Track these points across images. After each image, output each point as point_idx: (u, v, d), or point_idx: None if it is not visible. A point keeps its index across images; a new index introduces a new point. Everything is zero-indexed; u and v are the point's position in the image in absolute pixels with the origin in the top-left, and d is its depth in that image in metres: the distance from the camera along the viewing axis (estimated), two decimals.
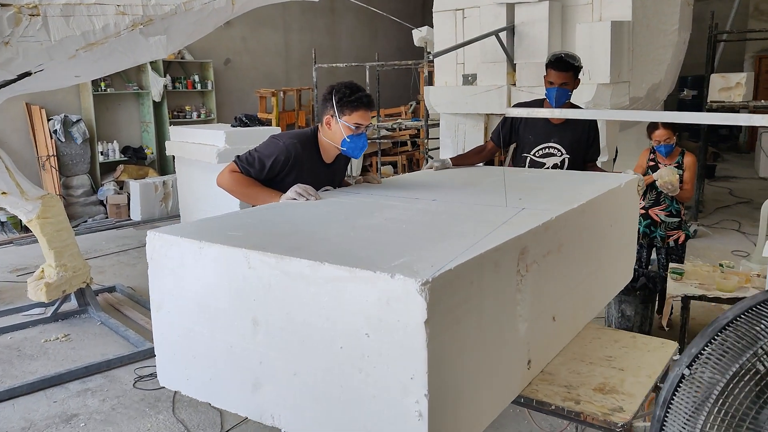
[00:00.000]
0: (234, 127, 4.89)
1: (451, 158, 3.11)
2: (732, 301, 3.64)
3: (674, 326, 4.13)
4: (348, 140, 2.47)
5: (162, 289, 1.84)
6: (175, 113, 9.68)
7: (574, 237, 2.11)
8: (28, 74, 3.75)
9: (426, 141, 8.25)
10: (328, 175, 2.61)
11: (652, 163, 4.43)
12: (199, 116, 9.92)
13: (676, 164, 4.37)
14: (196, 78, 9.92)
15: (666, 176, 4.10)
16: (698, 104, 11.16)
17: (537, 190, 2.44)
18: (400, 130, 9.05)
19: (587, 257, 2.26)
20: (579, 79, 3.08)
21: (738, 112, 6.84)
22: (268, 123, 10.50)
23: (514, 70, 6.08)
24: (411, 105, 11.29)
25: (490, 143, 3.30)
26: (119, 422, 3.16)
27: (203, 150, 4.70)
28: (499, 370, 1.71)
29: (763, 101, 6.93)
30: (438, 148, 7.38)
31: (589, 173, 2.84)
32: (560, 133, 3.14)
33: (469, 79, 6.77)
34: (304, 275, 1.51)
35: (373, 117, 10.24)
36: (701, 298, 3.71)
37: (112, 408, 3.29)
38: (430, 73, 7.93)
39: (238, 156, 2.50)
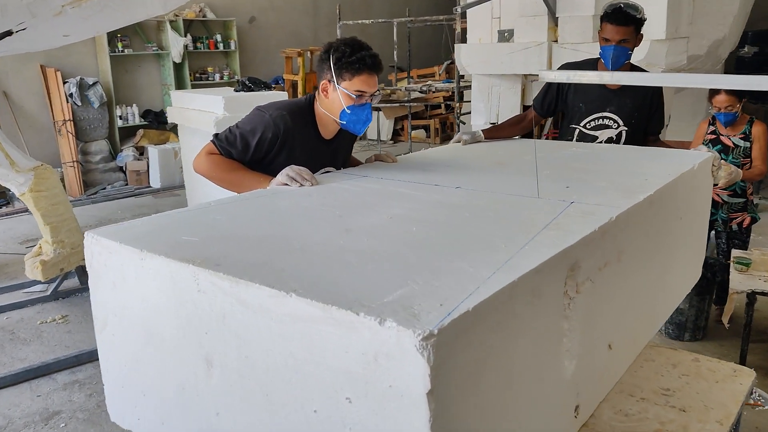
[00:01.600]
0: (237, 91, 4.41)
1: (483, 130, 2.62)
2: None
3: (735, 323, 3.62)
4: (348, 112, 2.02)
5: (104, 304, 1.44)
6: (197, 75, 9.29)
7: (637, 239, 1.64)
8: (8, 33, 3.36)
9: (459, 105, 7.70)
10: (327, 153, 2.16)
11: (712, 136, 3.84)
12: (222, 78, 9.51)
13: (742, 135, 3.78)
14: (219, 38, 9.48)
15: (725, 177, 3.03)
16: (761, 62, 10.25)
17: (589, 175, 1.95)
18: (431, 92, 8.49)
19: (652, 261, 1.78)
20: (641, 35, 2.53)
21: None
22: (274, 85, 10.06)
23: (557, 25, 5.46)
24: (444, 65, 10.66)
25: (532, 112, 2.78)
26: (102, 423, 2.85)
27: (202, 117, 4.27)
28: (537, 428, 1.27)
29: None
30: (470, 112, 6.85)
31: (654, 150, 2.33)
32: (618, 101, 2.60)
33: (506, 36, 6.15)
34: (264, 308, 1.08)
35: (403, 78, 9.68)
36: None
37: (98, 405, 2.98)
38: (463, 30, 7.33)
39: (217, 134, 2.06)
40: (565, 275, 1.28)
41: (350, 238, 1.34)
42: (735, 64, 10.90)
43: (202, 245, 1.31)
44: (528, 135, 2.79)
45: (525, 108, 6.94)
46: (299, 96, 9.77)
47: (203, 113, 4.28)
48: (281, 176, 1.86)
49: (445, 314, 0.95)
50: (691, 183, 2.04)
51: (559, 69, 2.71)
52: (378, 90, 2.04)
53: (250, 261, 1.20)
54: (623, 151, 2.38)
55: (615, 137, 2.63)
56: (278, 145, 2.02)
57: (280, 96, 4.39)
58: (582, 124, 2.66)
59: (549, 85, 2.71)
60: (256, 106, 2.08)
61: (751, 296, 3.22)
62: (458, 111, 7.72)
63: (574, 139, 2.69)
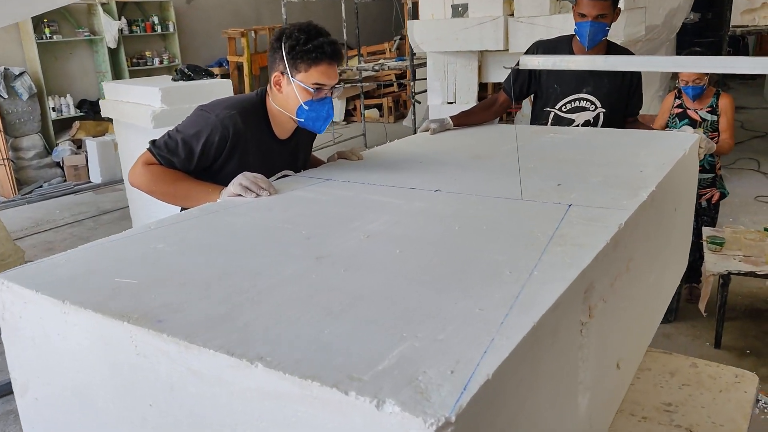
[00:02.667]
0: (175, 81, 4.02)
1: (452, 117, 2.40)
2: None
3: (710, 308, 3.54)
4: (306, 108, 1.77)
5: (23, 364, 1.18)
6: (135, 60, 8.77)
7: (642, 241, 1.46)
8: None
9: (412, 84, 7.48)
10: (285, 155, 1.91)
11: (679, 110, 3.73)
12: (161, 62, 9.01)
13: (709, 108, 3.68)
14: (156, 20, 8.95)
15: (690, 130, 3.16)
16: (702, 28, 10.33)
17: (578, 167, 1.76)
18: (383, 70, 8.23)
19: (653, 262, 1.62)
20: (619, 9, 2.35)
21: None
22: (218, 72, 9.61)
23: None
24: (395, 41, 10.39)
25: (502, 95, 2.57)
26: None
27: (138, 111, 3.87)
28: None
29: None
30: (425, 90, 6.63)
31: (639, 134, 2.16)
32: (595, 81, 2.42)
33: (459, 11, 5.92)
34: (223, 381, 0.85)
35: (354, 56, 9.37)
36: (750, 274, 3.10)
37: None
38: (414, 5, 7.06)
39: (154, 141, 1.78)
40: (580, 301, 1.08)
41: (324, 270, 1.11)
42: (679, 31, 10.99)
43: (140, 290, 1.05)
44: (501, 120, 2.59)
45: (482, 86, 6.77)
46: (245, 80, 9.36)
47: (139, 106, 3.88)
48: (234, 186, 1.61)
49: (461, 387, 0.73)
50: (683, 170, 1.88)
51: (530, 49, 2.49)
52: (339, 82, 1.79)
53: (202, 313, 0.96)
54: (606, 135, 2.21)
55: (592, 120, 2.45)
56: (227, 149, 1.76)
57: (225, 85, 4.03)
58: (557, 107, 2.47)
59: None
60: (198, 106, 1.80)
61: (726, 277, 3.14)
62: (413, 90, 7.49)
63: (549, 123, 2.50)
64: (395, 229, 1.31)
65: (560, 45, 2.45)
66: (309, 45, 1.70)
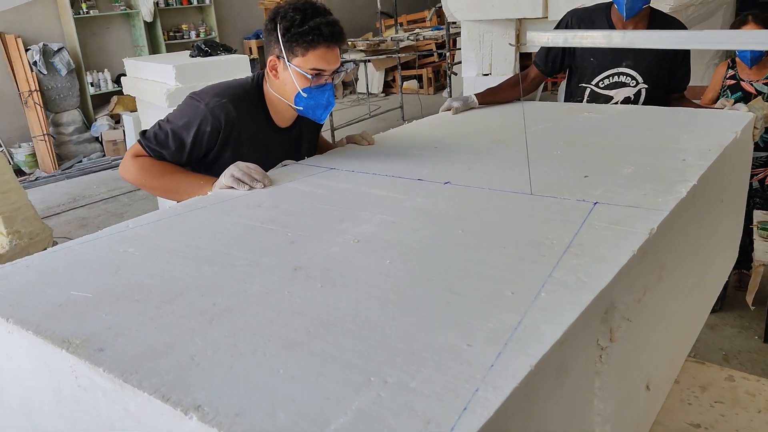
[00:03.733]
0: (193, 57, 3.87)
1: (477, 94, 2.21)
2: None
3: (757, 294, 3.28)
4: (304, 95, 1.61)
5: None
6: (171, 34, 8.73)
7: (679, 245, 1.27)
8: None
9: (450, 54, 7.20)
10: (285, 145, 1.76)
11: (731, 81, 3.41)
12: (198, 35, 8.94)
13: (766, 80, 3.35)
14: None
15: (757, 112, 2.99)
16: None
17: (610, 155, 1.56)
18: (419, 40, 7.97)
19: (693, 265, 1.42)
20: None
21: None
22: (256, 44, 9.48)
23: None
24: (433, 9, 10.06)
25: (534, 69, 2.36)
26: None
27: (154, 89, 3.75)
28: None
29: None
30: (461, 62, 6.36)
31: (683, 113, 1.94)
32: (636, 53, 2.17)
33: None
34: (160, 428, 0.73)
35: (391, 26, 9.10)
36: None
37: None
38: None
39: (143, 132, 1.66)
40: (597, 325, 0.92)
41: (297, 285, 0.97)
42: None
43: (91, 307, 0.94)
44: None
45: (521, 57, 6.46)
46: None
47: (155, 84, 3.76)
48: (225, 178, 1.48)
49: None
50: (733, 155, 1.66)
51: (563, 19, 2.26)
52: (342, 66, 1.63)
53: (147, 341, 0.83)
54: (646, 114, 1.98)
55: (633, 97, 2.22)
56: (221, 140, 1.63)
57: (241, 61, 3.86)
58: (594, 83, 2.24)
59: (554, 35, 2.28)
60: (189, 94, 1.67)
61: None
62: (450, 61, 7.22)
63: (585, 100, 2.28)
64: (390, 232, 1.16)
65: (596, 15, 2.21)
66: (305, 26, 1.54)
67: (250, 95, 1.68)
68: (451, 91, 7.32)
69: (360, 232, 1.16)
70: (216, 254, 1.11)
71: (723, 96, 3.41)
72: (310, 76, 1.59)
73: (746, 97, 3.31)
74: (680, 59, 2.20)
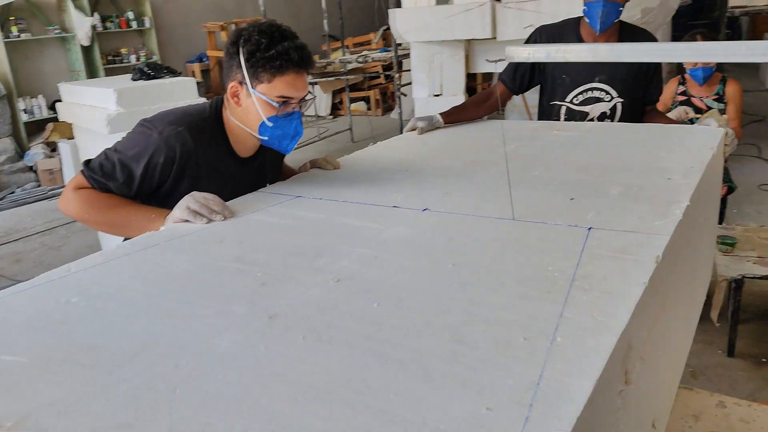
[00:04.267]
0: (135, 80, 3.66)
1: (442, 113, 2.13)
2: None
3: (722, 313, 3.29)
4: (270, 124, 1.49)
5: None
6: (110, 58, 8.42)
7: (677, 270, 1.20)
8: None
9: (398, 75, 7.19)
10: (248, 176, 1.62)
11: (682, 97, 3.46)
12: (138, 59, 8.65)
13: (716, 96, 3.42)
14: (131, 15, 8.59)
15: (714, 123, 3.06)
16: (695, 10, 10.08)
17: (593, 175, 1.49)
18: (368, 62, 7.93)
19: (684, 288, 1.36)
20: None
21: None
22: (199, 68, 9.27)
23: None
24: (380, 32, 10.08)
25: (500, 86, 2.29)
26: None
27: (94, 115, 3.52)
28: None
29: None
30: (410, 83, 6.34)
31: (658, 129, 1.90)
32: (609, 68, 2.14)
33: None
34: None
35: (338, 48, 9.05)
36: (766, 278, 2.84)
37: None
38: (398, 1, 6.76)
39: (87, 162, 1.49)
40: (617, 374, 0.82)
41: (275, 338, 0.83)
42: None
43: (28, 377, 0.78)
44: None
45: (470, 77, 6.48)
46: None
47: (94, 109, 3.52)
48: (180, 210, 1.33)
49: None
50: (711, 172, 1.62)
51: (532, 35, 2.21)
52: (309, 93, 1.52)
53: (95, 421, 0.68)
54: (619, 131, 1.93)
55: (609, 111, 2.18)
56: (175, 172, 1.48)
57: (188, 84, 3.68)
58: (569, 100, 2.19)
59: None
60: (140, 121, 1.51)
61: (739, 281, 2.89)
62: (398, 82, 7.20)
63: (561, 117, 2.22)
64: (372, 268, 1.04)
65: (566, 30, 2.17)
66: (272, 51, 1.41)
67: (208, 123, 1.54)
68: (401, 111, 7.29)
69: (340, 269, 1.04)
70: (176, 302, 0.96)
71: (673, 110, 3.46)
72: (276, 104, 1.46)
73: (697, 112, 3.37)
74: (653, 71, 2.18)
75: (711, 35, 3.35)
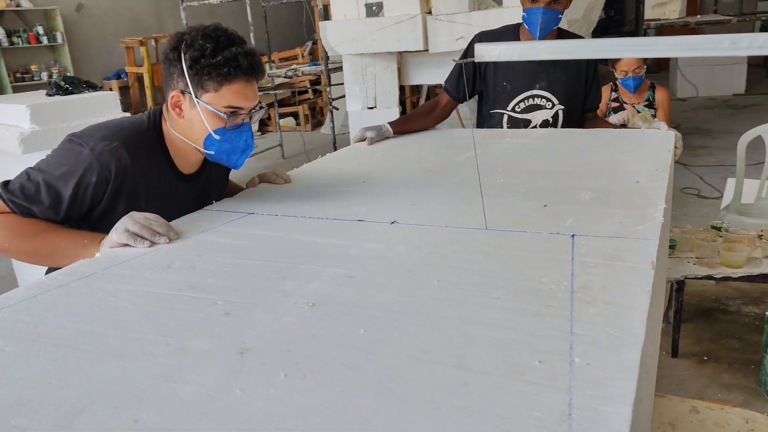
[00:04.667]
0: (50, 95, 3.39)
1: (391, 123, 2.05)
2: (747, 280, 2.88)
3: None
4: (217, 137, 1.35)
5: None
6: (18, 75, 7.90)
7: (658, 275, 1.15)
8: None
9: (329, 89, 7.10)
10: (191, 194, 1.48)
11: (615, 104, 3.55)
12: (50, 76, 8.16)
13: (646, 102, 3.53)
14: (41, 30, 8.11)
15: (643, 124, 3.17)
16: (608, 24, 10.56)
17: (559, 180, 1.44)
18: (297, 76, 7.80)
19: (660, 293, 1.32)
20: None
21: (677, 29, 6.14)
22: (117, 84, 8.90)
23: None
24: (307, 46, 9.98)
25: (444, 96, 2.23)
26: None
27: (5, 133, 3.23)
28: None
29: (699, 16, 6.27)
30: (343, 96, 6.26)
31: (608, 133, 1.89)
32: (549, 75, 2.13)
33: (374, 10, 5.61)
34: None
35: (264, 63, 8.85)
36: (707, 278, 2.91)
37: None
38: (326, 7, 6.69)
39: (5, 183, 1.29)
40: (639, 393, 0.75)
41: (252, 376, 0.71)
42: (599, 30, 11.20)
43: None
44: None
45: (402, 89, 6.47)
46: (147, 92, 8.66)
47: (5, 127, 3.22)
48: (117, 233, 1.18)
49: None
50: (671, 172, 1.61)
51: (472, 42, 2.17)
52: (260, 103, 1.39)
53: None
54: (572, 137, 1.91)
55: (551, 119, 2.16)
56: (110, 193, 1.32)
57: (110, 98, 3.42)
58: (510, 108, 2.15)
59: (463, 60, 2.18)
60: (68, 136, 1.33)
61: (681, 282, 2.95)
62: (329, 96, 7.11)
63: (504, 125, 2.18)
64: (348, 289, 0.93)
65: (505, 35, 2.15)
66: (218, 57, 1.28)
67: (146, 137, 1.38)
68: (333, 126, 7.20)
69: (311, 292, 0.92)
70: (123, 340, 0.82)
71: (608, 116, 3.54)
72: (224, 115, 1.32)
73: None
74: (592, 78, 2.18)
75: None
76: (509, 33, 2.14)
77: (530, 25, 2.03)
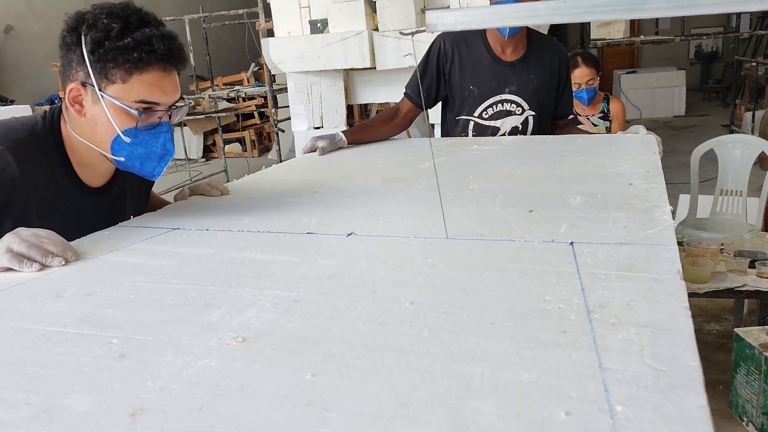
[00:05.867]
0: None
1: (345, 132, 1.83)
2: (713, 295, 2.77)
3: None
4: (127, 139, 1.09)
5: None
6: None
7: None
8: None
9: (274, 111, 6.86)
10: (99, 212, 1.21)
11: (570, 116, 3.46)
12: None
13: (601, 113, 3.44)
14: None
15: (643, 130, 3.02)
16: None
17: (537, 183, 1.25)
18: (241, 98, 7.55)
19: None
20: None
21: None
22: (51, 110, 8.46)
23: (375, 11, 4.87)
24: (252, 68, 9.74)
25: (406, 103, 2.02)
26: None
27: None
28: None
29: (642, 36, 6.34)
30: (289, 118, 6.04)
31: (585, 138, 1.72)
32: (519, 78, 1.94)
33: (318, 27, 5.43)
34: None
35: (207, 88, 8.56)
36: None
37: None
38: (270, 32, 6.49)
39: None
40: None
41: None
42: None
43: None
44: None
45: (350, 108, 6.29)
46: None
47: None
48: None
49: None
50: None
51: (434, 43, 1.98)
52: (183, 98, 1.16)
53: None
54: (550, 143, 1.73)
55: (520, 126, 1.98)
56: None
57: (22, 113, 3.11)
58: (477, 114, 1.96)
59: (425, 62, 1.99)
60: None
61: None
62: (275, 118, 6.87)
63: (470, 133, 1.99)
64: (294, 317, 0.70)
65: (471, 35, 1.96)
66: (127, 39, 1.04)
67: (40, 141, 1.12)
68: (279, 149, 6.95)
69: (245, 323, 0.69)
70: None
71: None
72: (135, 112, 1.07)
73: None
74: (564, 83, 2.02)
75: (593, 57, 3.37)
76: (475, 32, 1.96)
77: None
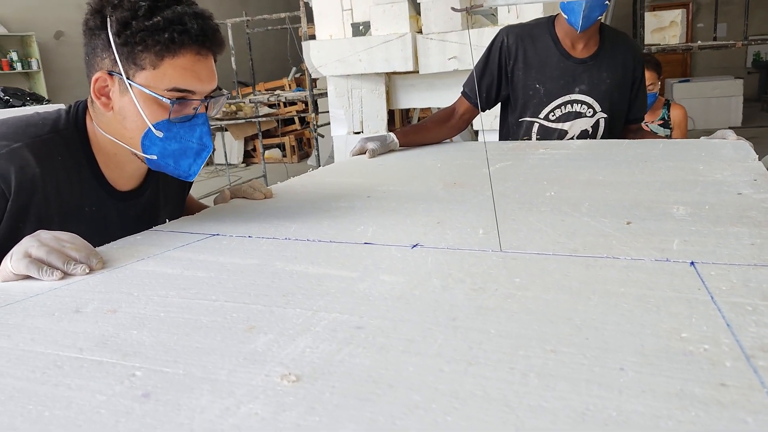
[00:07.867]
0: None
1: (396, 132, 1.70)
2: None
3: None
4: (159, 133, 0.97)
5: None
6: None
7: None
8: None
9: (315, 116, 6.79)
10: (128, 219, 1.09)
11: None
12: (23, 105, 7.79)
13: (661, 121, 3.23)
14: (14, 56, 7.77)
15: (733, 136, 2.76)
16: None
17: (626, 191, 1.09)
18: (284, 105, 7.51)
19: None
20: None
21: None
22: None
23: (419, 13, 4.73)
24: (292, 74, 9.73)
25: (463, 103, 1.86)
26: None
27: None
28: None
29: (700, 41, 6.06)
30: (329, 123, 5.94)
31: (663, 143, 1.55)
32: (590, 75, 1.76)
33: (361, 29, 5.32)
34: None
35: (248, 94, 8.56)
36: None
37: None
38: (312, 36, 6.43)
39: None
40: None
41: None
42: None
43: None
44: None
45: (391, 114, 6.17)
46: None
47: None
48: (15, 261, 0.80)
49: None
50: None
51: (497, 37, 1.82)
52: (219, 89, 1.03)
53: None
54: (625, 147, 1.56)
55: (591, 129, 1.81)
56: (9, 214, 0.94)
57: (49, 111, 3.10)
58: (543, 116, 1.80)
59: (486, 59, 1.83)
60: None
61: None
62: (315, 123, 6.79)
63: (534, 136, 1.83)
64: (358, 349, 0.56)
65: (538, 30, 1.80)
66: (156, 18, 0.92)
67: (64, 138, 1.00)
68: (318, 155, 6.86)
69: (297, 356, 0.55)
70: None
71: None
72: (168, 101, 0.95)
73: None
74: (638, 83, 1.83)
75: (654, 59, 3.18)
76: (542, 26, 1.80)
77: (570, 13, 1.67)
